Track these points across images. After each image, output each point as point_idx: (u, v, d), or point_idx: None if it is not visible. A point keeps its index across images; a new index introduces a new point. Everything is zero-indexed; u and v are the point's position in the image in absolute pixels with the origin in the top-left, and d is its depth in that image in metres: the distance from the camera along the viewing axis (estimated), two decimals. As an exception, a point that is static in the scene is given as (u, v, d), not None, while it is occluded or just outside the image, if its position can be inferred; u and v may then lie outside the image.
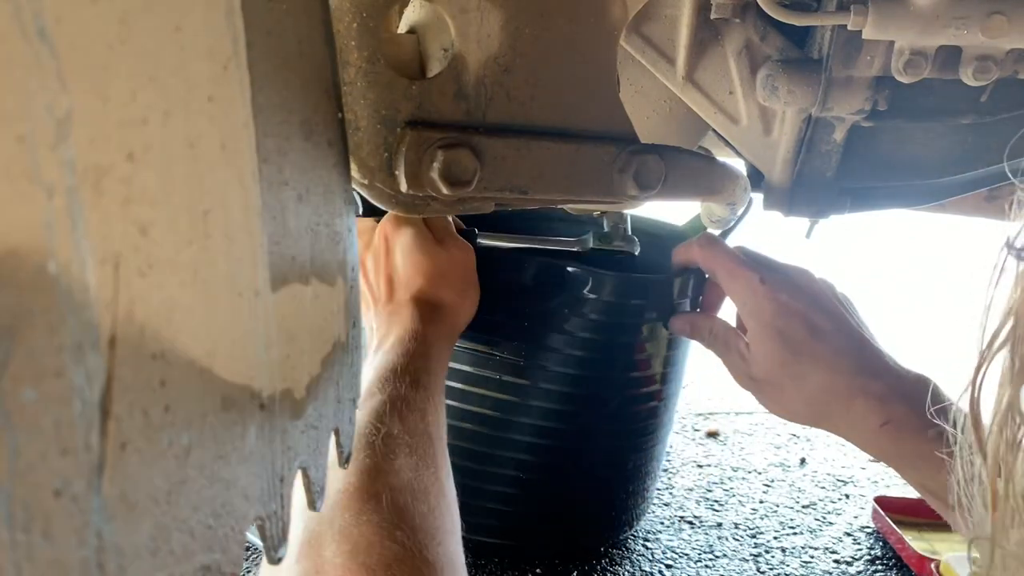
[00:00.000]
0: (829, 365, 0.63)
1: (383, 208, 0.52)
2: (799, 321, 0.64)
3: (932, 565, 0.94)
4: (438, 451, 0.57)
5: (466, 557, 0.53)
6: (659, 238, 0.95)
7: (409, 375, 0.60)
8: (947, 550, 0.99)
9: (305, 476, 0.34)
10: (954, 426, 0.37)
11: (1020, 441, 0.32)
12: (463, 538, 0.54)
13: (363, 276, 0.73)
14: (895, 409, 0.60)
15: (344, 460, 0.40)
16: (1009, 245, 0.34)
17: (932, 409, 0.46)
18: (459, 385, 0.85)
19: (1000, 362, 0.34)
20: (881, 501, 1.09)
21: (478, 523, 0.89)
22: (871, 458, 1.31)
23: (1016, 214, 0.36)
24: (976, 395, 0.35)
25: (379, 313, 0.70)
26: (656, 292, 0.84)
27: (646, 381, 0.90)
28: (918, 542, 1.00)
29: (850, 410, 0.62)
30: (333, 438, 0.38)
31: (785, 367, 0.64)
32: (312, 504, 0.35)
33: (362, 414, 0.49)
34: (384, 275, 0.71)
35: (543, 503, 0.93)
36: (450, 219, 0.76)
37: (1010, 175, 0.38)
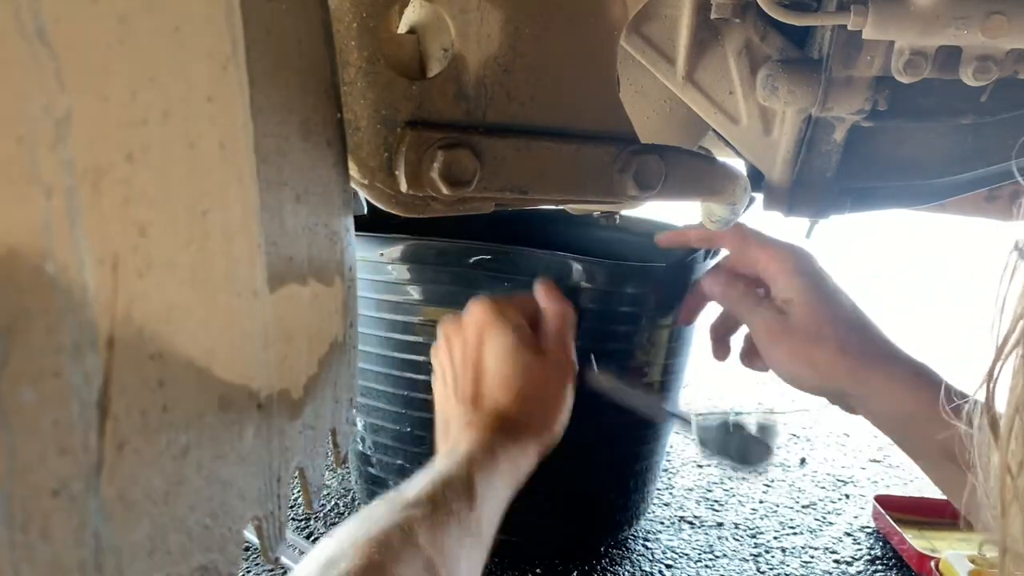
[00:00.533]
0: (873, 329, 0.67)
1: (384, 208, 0.52)
2: (840, 285, 0.69)
3: (932, 563, 0.94)
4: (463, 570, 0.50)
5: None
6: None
7: (463, 491, 0.53)
8: (947, 548, 0.99)
9: (302, 476, 0.34)
10: (969, 424, 0.37)
11: None
12: None
13: (444, 360, 0.67)
14: (923, 366, 0.64)
15: (340, 460, 0.40)
16: (1019, 248, 0.34)
17: (949, 408, 0.46)
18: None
19: (1011, 364, 0.34)
20: (881, 500, 1.09)
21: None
22: (871, 458, 1.31)
23: (1023, 215, 0.36)
24: (991, 394, 0.36)
25: (457, 408, 0.64)
26: (650, 281, 0.85)
27: (646, 375, 0.90)
28: (918, 540, 1.01)
29: (885, 367, 0.64)
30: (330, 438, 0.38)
31: (835, 317, 0.66)
32: (309, 504, 0.35)
33: (380, 525, 0.43)
34: (472, 369, 0.65)
35: (541, 498, 0.93)
36: (568, 332, 0.69)
37: (1016, 174, 0.39)
